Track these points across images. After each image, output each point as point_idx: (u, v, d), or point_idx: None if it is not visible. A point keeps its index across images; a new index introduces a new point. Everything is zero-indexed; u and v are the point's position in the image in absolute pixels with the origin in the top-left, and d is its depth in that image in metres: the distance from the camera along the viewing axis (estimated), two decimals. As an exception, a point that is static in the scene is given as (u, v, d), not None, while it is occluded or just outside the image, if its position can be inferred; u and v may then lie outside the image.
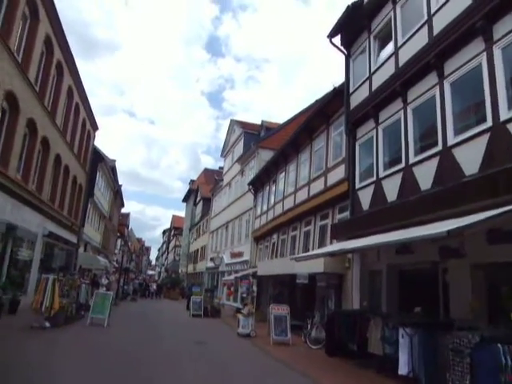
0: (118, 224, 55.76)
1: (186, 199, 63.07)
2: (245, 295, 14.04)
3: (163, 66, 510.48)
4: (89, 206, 28.99)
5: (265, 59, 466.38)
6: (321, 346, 12.20)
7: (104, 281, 22.50)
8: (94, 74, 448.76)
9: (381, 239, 8.94)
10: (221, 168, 48.98)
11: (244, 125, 33.36)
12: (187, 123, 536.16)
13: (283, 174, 20.91)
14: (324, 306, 13.77)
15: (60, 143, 20.31)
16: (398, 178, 10.50)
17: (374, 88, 12.06)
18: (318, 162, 16.55)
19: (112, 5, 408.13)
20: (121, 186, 48.58)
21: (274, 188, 22.42)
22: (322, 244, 15.25)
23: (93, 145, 28.84)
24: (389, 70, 11.15)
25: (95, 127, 28.61)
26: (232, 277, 23.56)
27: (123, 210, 66.93)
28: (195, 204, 52.98)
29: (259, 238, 24.24)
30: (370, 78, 12.40)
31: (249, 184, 26.31)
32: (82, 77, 21.80)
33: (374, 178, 11.65)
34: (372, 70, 12.33)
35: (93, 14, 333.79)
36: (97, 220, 33.70)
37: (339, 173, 14.13)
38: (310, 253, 12.61)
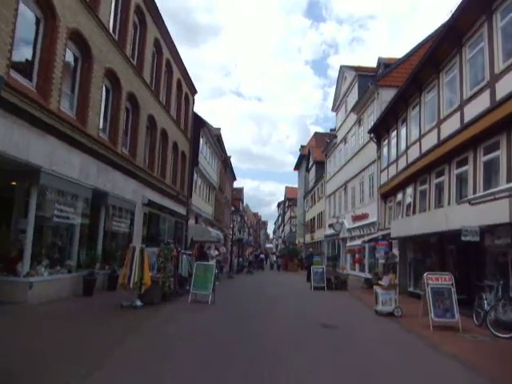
0: (231, 198, 55.10)
1: (297, 167, 59.90)
2: (382, 261, 10.45)
3: (265, 40, 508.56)
4: (195, 175, 27.33)
5: (369, 16, 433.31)
6: (514, 334, 8.00)
7: (213, 252, 20.37)
8: (200, 60, 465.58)
9: None
10: (332, 130, 44.76)
11: (357, 68, 28.59)
12: (294, 96, 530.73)
13: (417, 107, 16.21)
14: (508, 274, 9.33)
15: (152, 103, 18.28)
16: None
17: None
18: (474, 73, 11.75)
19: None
20: (230, 157, 47.24)
21: (404, 129, 17.80)
22: (489, 187, 10.65)
23: (193, 110, 26.89)
24: None
25: (193, 90, 26.55)
26: (359, 242, 19.70)
27: (237, 185, 66.85)
28: (308, 170, 49.56)
29: (388, 194, 19.89)
30: None
31: (370, 132, 21.89)
32: (187, 63, 19.38)
33: None
34: None
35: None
36: (206, 191, 32.23)
37: (518, 76, 9.38)
38: (504, 186, 7.86)
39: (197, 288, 11.96)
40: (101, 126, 13.54)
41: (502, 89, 9.97)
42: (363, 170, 24.41)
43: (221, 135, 36.47)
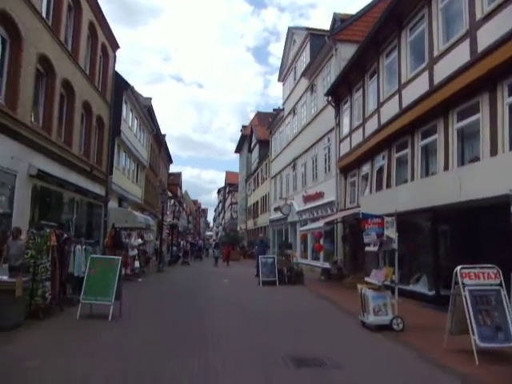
0: (168, 183, 50.11)
1: (238, 149, 55.92)
2: (373, 249, 7.16)
3: (206, 25, 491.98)
4: (116, 147, 22.42)
5: (310, 4, 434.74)
6: None
7: (135, 241, 15.73)
8: (138, 43, 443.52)
9: None
10: (275, 110, 41.21)
11: (308, 28, 24.92)
12: (235, 83, 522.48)
13: (394, 52, 12.78)
14: None
15: (46, 39, 13.30)
16: None
17: None
18: None
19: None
20: (164, 135, 42.23)
21: (374, 84, 14.36)
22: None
23: (113, 68, 21.91)
24: None
25: (114, 44, 21.50)
26: (320, 224, 16.09)
27: (175, 170, 61.78)
28: (250, 151, 45.74)
29: (350, 167, 16.56)
30: None
31: (327, 94, 18.34)
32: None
33: None
34: None
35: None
36: (133, 169, 27.31)
37: None
38: None
39: (91, 295, 7.71)
40: None
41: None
42: (317, 142, 20.96)
43: (152, 106, 31.54)
